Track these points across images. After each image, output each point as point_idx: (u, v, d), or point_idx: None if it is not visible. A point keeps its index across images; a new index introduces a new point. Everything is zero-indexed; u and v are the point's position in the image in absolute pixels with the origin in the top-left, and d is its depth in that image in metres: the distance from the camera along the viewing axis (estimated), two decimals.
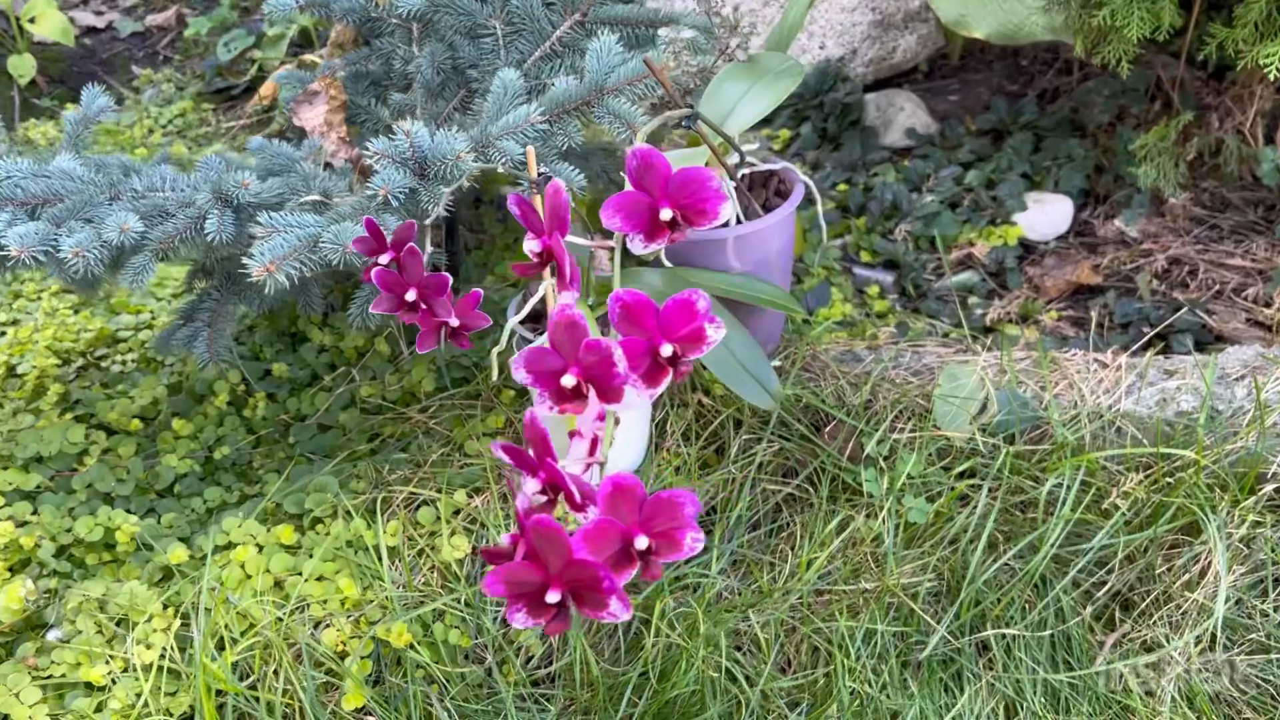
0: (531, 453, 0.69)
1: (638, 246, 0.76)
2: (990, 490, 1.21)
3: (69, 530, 1.28)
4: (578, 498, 0.67)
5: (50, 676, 1.11)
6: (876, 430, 1.26)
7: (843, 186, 1.88)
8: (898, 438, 1.26)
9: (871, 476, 1.23)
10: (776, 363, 1.38)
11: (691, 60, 1.26)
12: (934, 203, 1.82)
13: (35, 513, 1.33)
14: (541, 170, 1.10)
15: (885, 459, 1.25)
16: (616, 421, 0.74)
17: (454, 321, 0.87)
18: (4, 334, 1.76)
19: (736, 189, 1.25)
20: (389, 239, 0.88)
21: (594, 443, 0.78)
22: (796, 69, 1.27)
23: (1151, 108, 1.86)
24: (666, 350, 0.69)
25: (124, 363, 1.66)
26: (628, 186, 0.75)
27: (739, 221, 1.27)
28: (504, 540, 0.69)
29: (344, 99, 1.55)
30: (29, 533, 1.27)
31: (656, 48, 1.21)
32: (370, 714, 1.12)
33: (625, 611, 0.64)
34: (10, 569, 1.25)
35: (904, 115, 2.04)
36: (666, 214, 0.73)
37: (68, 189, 1.25)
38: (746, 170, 1.32)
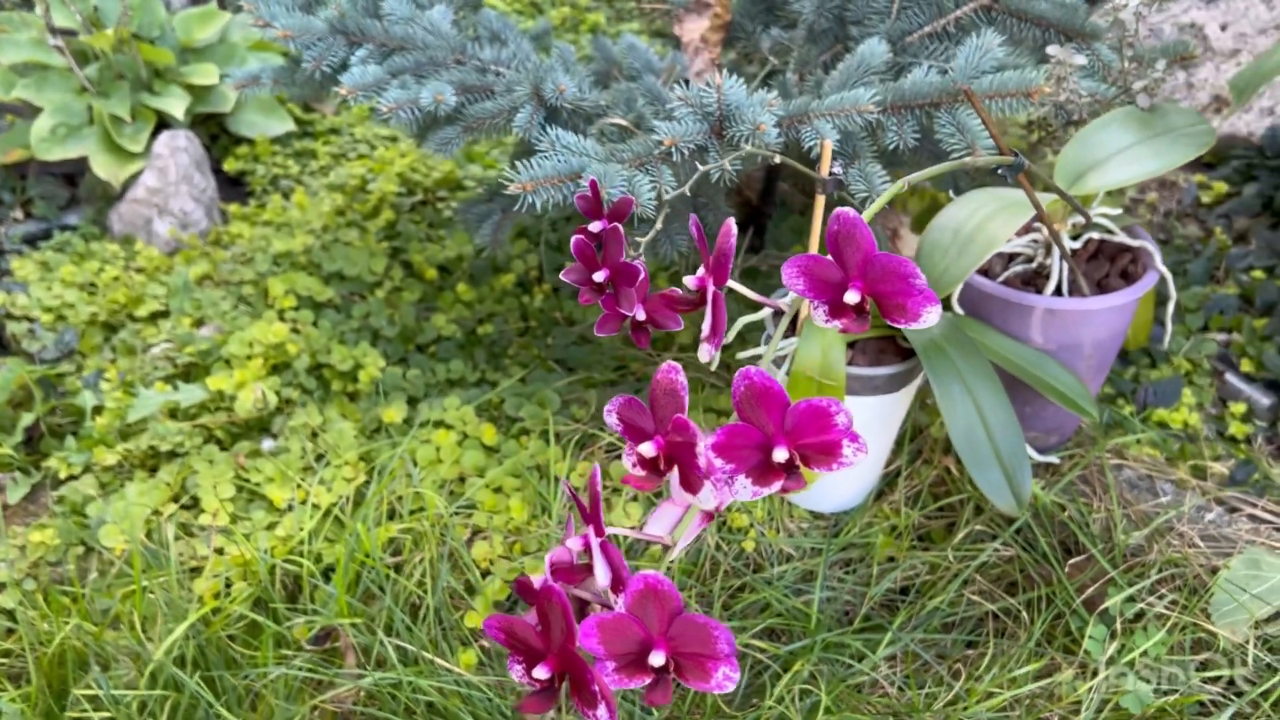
0: (587, 504, 0.61)
1: (819, 318, 0.63)
2: (1243, 717, 0.97)
3: (328, 351, 1.37)
4: (603, 579, 0.58)
5: (248, 481, 1.20)
6: (1131, 585, 1.04)
7: (1257, 273, 1.55)
8: (1152, 605, 1.03)
9: (1100, 634, 1.03)
10: (1055, 458, 1.18)
11: (1080, 88, 1.04)
12: None
13: (315, 324, 1.43)
14: (833, 170, 0.97)
15: (1126, 621, 1.03)
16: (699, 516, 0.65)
17: (639, 315, 0.79)
18: (376, 149, 1.90)
19: (1066, 257, 1.05)
20: (607, 206, 0.81)
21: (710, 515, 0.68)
22: (1205, 135, 1.02)
23: None
24: (780, 455, 0.58)
25: (455, 211, 1.74)
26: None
27: (1059, 292, 1.06)
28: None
29: (728, 18, 1.48)
30: (297, 342, 1.37)
31: (1038, 68, 1.02)
32: (484, 639, 1.12)
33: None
34: (273, 367, 1.36)
35: None
36: (853, 296, 0.60)
37: (426, 42, 1.28)
38: (1096, 236, 1.10)
